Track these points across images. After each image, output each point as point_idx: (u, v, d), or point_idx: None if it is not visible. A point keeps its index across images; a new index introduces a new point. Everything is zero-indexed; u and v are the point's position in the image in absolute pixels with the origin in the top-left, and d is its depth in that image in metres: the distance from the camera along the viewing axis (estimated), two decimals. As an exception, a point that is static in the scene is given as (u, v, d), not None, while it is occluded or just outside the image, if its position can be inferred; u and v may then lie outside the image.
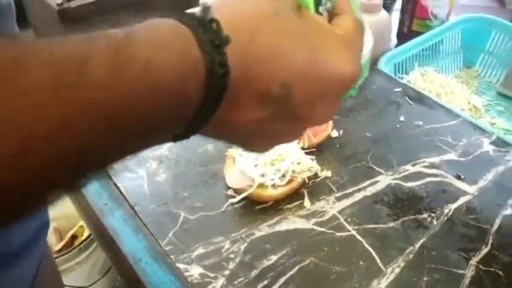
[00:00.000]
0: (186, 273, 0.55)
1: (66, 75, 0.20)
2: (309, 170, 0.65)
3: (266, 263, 0.56)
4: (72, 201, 0.69)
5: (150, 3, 0.88)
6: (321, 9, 0.34)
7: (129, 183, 0.65)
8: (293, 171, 0.63)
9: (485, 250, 0.57)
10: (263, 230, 0.59)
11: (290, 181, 0.63)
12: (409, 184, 0.65)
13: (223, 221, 0.61)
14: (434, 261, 0.56)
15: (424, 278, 0.54)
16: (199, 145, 0.71)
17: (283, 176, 0.62)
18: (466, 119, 0.75)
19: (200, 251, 0.57)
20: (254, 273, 0.55)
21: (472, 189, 0.64)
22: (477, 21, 1.00)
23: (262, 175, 0.61)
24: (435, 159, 0.68)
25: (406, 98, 0.80)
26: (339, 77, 0.29)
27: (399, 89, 0.81)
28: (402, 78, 0.92)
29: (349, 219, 0.60)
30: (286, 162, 0.63)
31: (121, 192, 0.64)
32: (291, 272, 0.55)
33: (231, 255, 0.57)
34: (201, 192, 0.64)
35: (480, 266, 0.55)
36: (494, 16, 0.99)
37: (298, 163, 0.63)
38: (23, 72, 0.19)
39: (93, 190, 0.64)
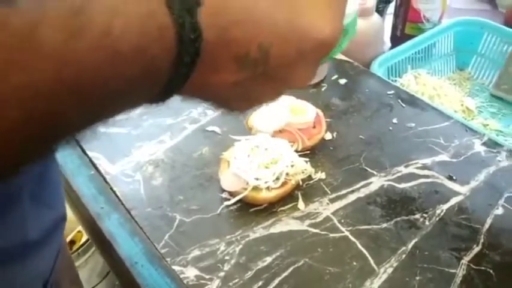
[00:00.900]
0: (182, 276, 0.55)
1: (17, 41, 0.19)
2: (303, 172, 0.65)
3: (261, 264, 0.56)
4: (69, 206, 0.70)
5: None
6: None
7: (126, 187, 0.66)
8: (287, 174, 0.63)
9: (476, 249, 0.58)
10: (258, 232, 0.60)
11: (284, 183, 0.63)
12: (402, 185, 0.66)
13: (218, 223, 0.62)
14: (427, 261, 0.56)
15: (417, 278, 0.55)
16: (195, 149, 0.72)
17: (277, 178, 0.63)
18: (458, 121, 0.76)
19: (196, 253, 0.58)
20: (249, 274, 0.55)
21: (463, 189, 0.65)
22: (469, 24, 1.01)
23: (257, 178, 0.62)
24: (427, 161, 0.69)
25: (399, 100, 0.81)
26: (319, 37, 0.27)
27: (392, 92, 0.82)
28: (395, 81, 0.93)
29: (342, 221, 0.61)
30: (280, 165, 0.63)
31: (117, 197, 0.65)
32: (285, 273, 0.55)
33: (226, 257, 0.57)
34: (197, 196, 0.65)
35: (471, 265, 0.56)
36: (486, 19, 1.01)
37: (292, 165, 0.64)
38: None
39: (89, 194, 0.65)
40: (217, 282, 0.55)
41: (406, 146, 0.72)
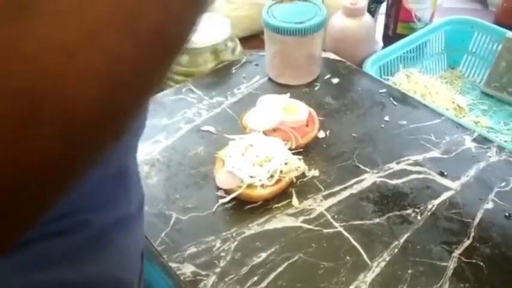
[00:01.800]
0: (179, 272, 0.56)
1: None
2: (297, 170, 0.67)
3: (256, 260, 0.58)
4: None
5: None
6: None
7: (122, 186, 0.67)
8: (281, 172, 0.65)
9: (467, 243, 0.59)
10: (253, 228, 0.61)
11: (278, 181, 0.64)
12: (394, 181, 0.67)
13: (214, 221, 0.63)
14: (418, 255, 0.58)
15: (409, 271, 0.56)
16: (190, 149, 0.73)
17: (272, 176, 0.64)
18: (449, 118, 0.78)
19: (192, 250, 0.59)
20: (244, 270, 0.56)
21: (454, 185, 0.66)
22: (459, 23, 1.02)
23: (251, 176, 0.63)
24: (419, 157, 0.70)
25: (391, 98, 0.82)
26: None
27: (384, 90, 0.83)
28: (387, 80, 0.94)
29: (336, 217, 0.62)
30: (274, 163, 0.64)
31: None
32: (280, 268, 0.56)
33: (222, 254, 0.58)
34: (192, 194, 0.66)
35: (462, 258, 0.57)
36: (477, 18, 1.02)
37: (286, 163, 0.65)
38: None
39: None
40: (213, 278, 0.56)
41: (398, 143, 0.73)
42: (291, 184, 0.67)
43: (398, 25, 1.04)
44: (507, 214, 0.62)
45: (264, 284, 0.55)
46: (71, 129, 0.18)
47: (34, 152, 0.18)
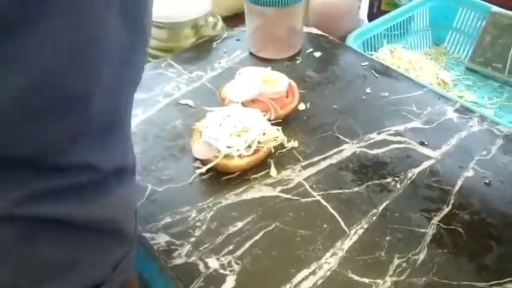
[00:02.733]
0: (152, 242, 0.55)
1: None
2: (275, 140, 0.65)
3: (232, 229, 0.56)
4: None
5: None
6: None
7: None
8: (259, 142, 0.63)
9: (446, 210, 0.58)
10: (230, 198, 0.60)
11: (256, 151, 0.63)
12: (374, 151, 0.66)
13: (190, 192, 0.61)
14: (397, 222, 0.57)
15: (387, 238, 0.55)
16: (168, 122, 0.71)
17: (249, 146, 0.63)
18: (431, 89, 0.77)
19: (167, 220, 0.57)
20: (220, 239, 0.55)
21: (435, 153, 0.65)
22: (444, -2, 1.01)
23: (228, 146, 0.62)
24: (400, 128, 0.69)
25: (373, 71, 0.81)
26: None
27: (366, 63, 0.82)
28: (371, 55, 0.93)
29: (314, 186, 0.61)
30: (251, 133, 0.63)
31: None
32: (256, 237, 0.55)
33: (198, 224, 0.57)
34: (169, 166, 0.64)
35: (441, 224, 0.56)
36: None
37: (264, 133, 0.64)
38: None
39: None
40: (188, 247, 0.54)
41: (379, 114, 0.72)
42: (270, 155, 0.65)
43: (383, 1, 1.03)
44: (487, 181, 0.61)
45: (240, 252, 0.54)
46: None
47: None
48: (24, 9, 0.25)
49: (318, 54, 0.85)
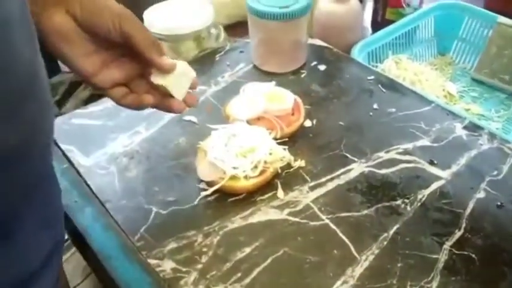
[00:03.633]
0: (158, 269, 0.54)
1: None
2: (282, 160, 0.64)
3: (239, 255, 0.55)
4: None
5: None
6: None
7: (100, 179, 0.64)
8: (265, 162, 0.62)
9: (458, 234, 0.57)
10: (236, 222, 0.59)
11: (262, 172, 0.62)
12: (383, 171, 0.65)
13: (195, 214, 0.60)
14: (408, 247, 0.55)
15: (398, 265, 0.54)
16: (171, 139, 0.70)
17: (255, 167, 0.61)
18: (439, 105, 0.75)
19: (172, 245, 0.56)
20: (227, 266, 0.54)
21: (445, 173, 0.64)
22: (449, 8, 1.00)
23: (234, 167, 0.60)
24: (408, 146, 0.68)
25: (379, 85, 0.79)
26: None
27: (372, 77, 0.81)
28: (376, 66, 0.91)
29: (322, 208, 0.60)
30: (258, 153, 0.62)
31: (91, 190, 0.63)
32: (265, 264, 0.54)
33: (204, 249, 0.56)
34: (173, 187, 0.63)
35: (453, 249, 0.55)
36: (467, 3, 1.00)
37: (270, 153, 0.63)
38: None
39: (62, 188, 0.63)
40: (194, 274, 0.53)
41: (386, 131, 0.71)
42: (276, 175, 0.64)
43: (387, 10, 1.02)
44: (499, 203, 0.60)
45: (248, 280, 0.52)
46: None
47: None
48: None
49: (322, 67, 0.84)
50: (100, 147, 0.69)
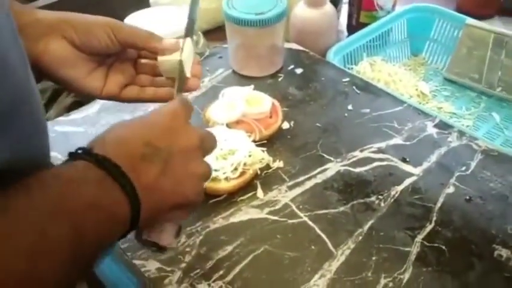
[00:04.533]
0: (143, 269, 0.56)
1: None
2: (261, 162, 0.66)
3: (221, 253, 0.57)
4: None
5: (96, 7, 0.88)
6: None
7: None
8: (245, 164, 0.64)
9: (429, 227, 0.60)
10: (218, 222, 0.61)
11: (242, 173, 0.64)
12: (358, 169, 0.67)
13: (178, 216, 0.62)
14: (382, 241, 0.58)
15: (373, 258, 0.56)
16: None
17: (236, 169, 0.64)
18: (411, 105, 0.79)
19: (156, 246, 0.58)
20: (210, 264, 0.56)
21: (417, 170, 0.67)
22: (421, 10, 1.03)
23: (215, 169, 0.63)
24: (382, 145, 0.71)
25: (354, 87, 0.82)
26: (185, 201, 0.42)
27: (347, 79, 0.84)
28: (351, 69, 0.94)
29: (301, 207, 0.62)
30: (237, 155, 0.64)
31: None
32: (246, 261, 0.56)
33: (187, 249, 0.58)
34: (156, 190, 0.65)
35: (425, 242, 0.58)
36: (439, 5, 1.03)
37: (250, 155, 0.65)
38: None
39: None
40: (178, 273, 0.55)
41: (361, 131, 0.74)
42: (256, 176, 0.66)
43: (361, 14, 1.04)
44: (468, 197, 0.63)
45: (230, 277, 0.55)
46: None
47: None
48: None
49: (299, 70, 0.86)
50: (84, 153, 0.71)
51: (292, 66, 0.87)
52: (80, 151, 0.37)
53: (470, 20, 0.95)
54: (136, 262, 0.56)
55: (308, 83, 0.84)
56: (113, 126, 0.40)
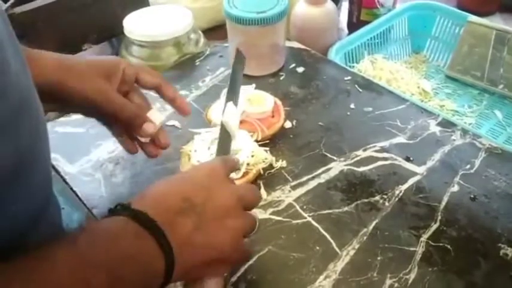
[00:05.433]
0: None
1: None
2: (264, 162, 0.66)
3: (225, 255, 0.57)
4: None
5: (95, 6, 0.88)
6: None
7: (85, 186, 0.66)
8: (248, 164, 0.64)
9: (434, 227, 0.59)
10: (221, 223, 0.60)
11: (245, 173, 0.64)
12: (361, 169, 0.67)
13: (181, 217, 0.61)
14: (387, 241, 0.58)
15: (378, 258, 0.56)
16: (155, 144, 0.71)
17: (238, 169, 0.63)
18: (414, 103, 0.78)
19: (160, 248, 0.57)
20: (214, 265, 0.56)
21: (420, 169, 0.67)
22: (422, 7, 1.03)
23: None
24: (385, 143, 0.71)
25: (356, 85, 0.82)
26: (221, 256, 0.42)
27: (349, 78, 0.83)
28: (353, 67, 0.94)
29: (304, 207, 0.62)
30: (240, 156, 0.64)
31: (78, 196, 0.64)
32: (250, 262, 0.56)
33: (191, 250, 0.57)
34: (159, 191, 0.64)
35: (430, 242, 0.58)
36: (439, 2, 1.03)
37: (253, 155, 0.65)
38: None
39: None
40: (182, 275, 0.55)
41: (364, 130, 0.73)
42: (259, 176, 0.66)
43: (362, 11, 1.04)
44: (472, 196, 0.63)
45: (234, 278, 0.54)
46: None
47: None
48: None
49: (301, 69, 0.86)
50: (84, 154, 0.70)
51: (293, 65, 0.87)
52: (119, 207, 0.39)
53: (472, 17, 0.94)
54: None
55: (310, 81, 0.83)
56: (154, 184, 0.43)
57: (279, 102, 0.74)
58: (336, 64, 0.87)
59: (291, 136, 0.73)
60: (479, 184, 0.64)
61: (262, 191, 0.64)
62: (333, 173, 0.67)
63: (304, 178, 0.66)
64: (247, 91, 0.73)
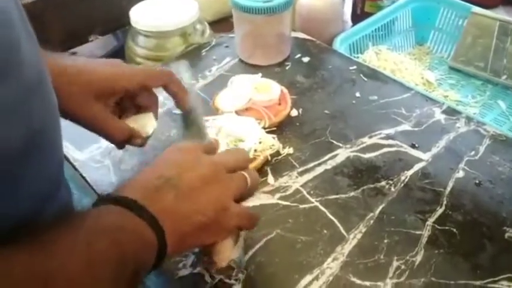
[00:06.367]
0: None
1: None
2: (271, 148, 0.67)
3: (234, 238, 0.58)
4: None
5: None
6: None
7: (95, 172, 0.66)
8: (255, 150, 0.65)
9: (440, 211, 0.60)
10: (229, 207, 0.61)
11: (253, 160, 0.64)
12: (367, 155, 0.68)
13: (190, 202, 0.62)
14: (394, 225, 0.59)
15: (385, 241, 0.57)
16: (163, 132, 0.72)
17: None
18: (418, 92, 0.79)
19: (169, 232, 0.58)
20: (223, 248, 0.56)
21: (426, 156, 0.67)
22: (425, -1, 1.04)
23: (226, 155, 0.63)
24: (390, 131, 0.71)
25: (361, 75, 0.82)
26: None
27: (354, 67, 0.84)
28: (357, 57, 0.95)
29: (311, 192, 0.63)
30: (248, 142, 0.64)
31: (87, 182, 0.65)
32: (259, 245, 0.57)
33: (200, 234, 0.58)
34: (167, 177, 0.65)
35: (436, 225, 0.58)
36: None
37: (260, 142, 0.65)
38: None
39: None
40: (192, 257, 0.56)
41: (369, 118, 0.74)
42: (266, 162, 0.67)
43: (366, 3, 1.05)
44: (477, 182, 0.64)
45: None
46: None
47: None
48: None
49: (306, 59, 0.87)
50: (93, 141, 0.71)
51: (299, 55, 0.88)
52: (98, 201, 0.40)
53: (475, 8, 0.95)
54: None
55: (315, 71, 0.84)
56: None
57: (285, 91, 0.75)
58: (341, 54, 0.88)
59: (297, 124, 0.74)
60: (484, 170, 0.65)
61: (270, 177, 0.65)
62: (339, 159, 0.67)
63: (311, 164, 0.67)
64: (254, 79, 0.74)
